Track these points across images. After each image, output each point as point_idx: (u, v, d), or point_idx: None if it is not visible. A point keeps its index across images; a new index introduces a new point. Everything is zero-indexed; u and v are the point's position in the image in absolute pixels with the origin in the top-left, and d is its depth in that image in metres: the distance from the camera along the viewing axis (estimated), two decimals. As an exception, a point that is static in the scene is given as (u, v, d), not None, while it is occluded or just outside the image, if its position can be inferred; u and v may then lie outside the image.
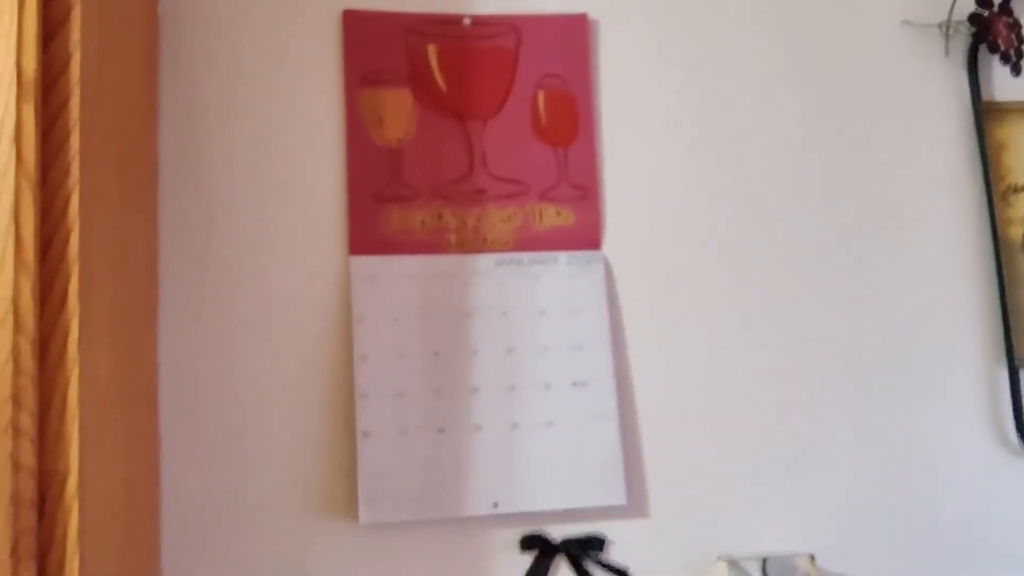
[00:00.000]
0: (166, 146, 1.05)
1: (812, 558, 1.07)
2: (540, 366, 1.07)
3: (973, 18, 1.23)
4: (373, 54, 1.09)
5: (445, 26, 1.10)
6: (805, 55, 1.21)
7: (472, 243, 1.08)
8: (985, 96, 1.23)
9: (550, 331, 1.08)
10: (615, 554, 1.07)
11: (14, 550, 0.67)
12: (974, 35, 1.23)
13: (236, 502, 1.00)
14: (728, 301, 1.14)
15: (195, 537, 0.99)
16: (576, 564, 1.05)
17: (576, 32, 1.14)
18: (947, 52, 1.24)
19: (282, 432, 1.02)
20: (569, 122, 1.12)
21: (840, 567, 1.11)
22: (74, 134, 0.73)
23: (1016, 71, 1.24)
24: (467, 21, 1.11)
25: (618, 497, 1.06)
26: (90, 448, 0.74)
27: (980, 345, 1.19)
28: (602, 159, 1.13)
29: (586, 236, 1.11)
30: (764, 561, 1.06)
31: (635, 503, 1.08)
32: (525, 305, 1.08)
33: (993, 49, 1.23)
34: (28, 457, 0.68)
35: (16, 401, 0.68)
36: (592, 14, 1.15)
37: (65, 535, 0.70)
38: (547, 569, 1.05)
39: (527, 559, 1.05)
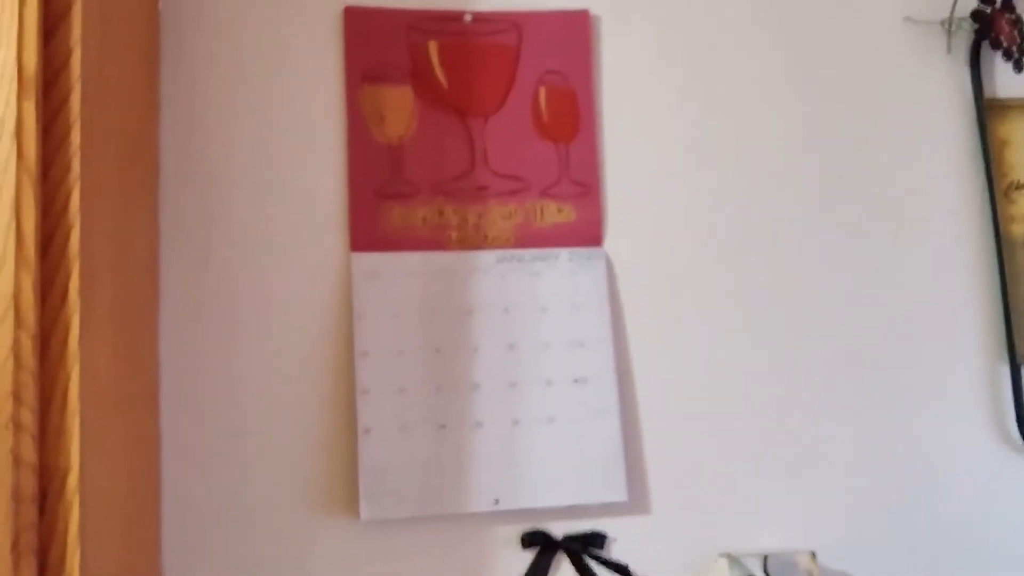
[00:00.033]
0: (167, 143, 1.05)
1: (813, 555, 1.07)
2: (541, 363, 1.07)
3: (975, 15, 1.23)
4: (374, 51, 1.08)
5: (446, 23, 1.10)
6: (806, 52, 1.21)
7: (473, 240, 1.08)
8: (987, 93, 1.23)
9: (551, 328, 1.08)
10: (616, 551, 1.07)
11: (15, 546, 0.67)
12: (976, 32, 1.23)
13: (237, 498, 1.00)
14: (729, 298, 1.14)
15: (196, 533, 0.99)
16: (577, 561, 1.05)
17: (577, 29, 1.14)
18: (949, 49, 1.24)
19: (283, 428, 1.02)
20: (570, 119, 1.12)
21: (841, 564, 1.11)
22: (75, 130, 0.73)
23: (1019, 68, 1.23)
24: (468, 18, 1.11)
25: (619, 494, 1.06)
26: (91, 444, 0.74)
27: (982, 342, 1.19)
28: (603, 156, 1.13)
29: (587, 233, 1.11)
30: (765, 558, 1.06)
31: (636, 500, 1.08)
32: (526, 302, 1.08)
33: (995, 46, 1.23)
34: (29, 453, 0.68)
35: (17, 397, 0.68)
36: (593, 11, 1.15)
37: (66, 531, 0.71)
38: (548, 566, 1.05)
39: (528, 556, 1.05)
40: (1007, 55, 1.23)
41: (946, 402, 1.17)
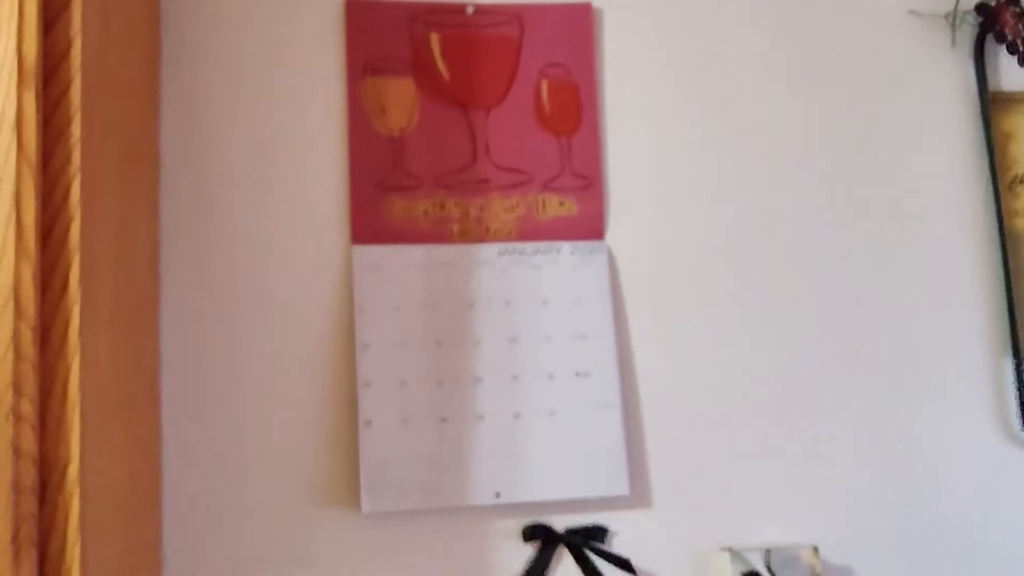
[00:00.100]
0: (167, 136, 1.04)
1: (816, 549, 1.07)
2: (543, 356, 1.07)
3: (980, 8, 1.22)
4: (376, 43, 1.08)
5: (448, 15, 1.10)
6: (810, 46, 1.20)
7: (475, 233, 1.08)
8: (992, 86, 1.23)
9: (553, 321, 1.07)
10: (618, 544, 1.07)
11: (15, 537, 0.67)
12: (981, 25, 1.23)
13: (238, 490, 1.00)
14: (731, 291, 1.14)
15: (197, 526, 0.99)
16: (578, 554, 1.05)
17: (579, 21, 1.13)
18: (954, 42, 1.23)
19: (284, 421, 1.02)
20: (572, 111, 1.12)
21: (844, 558, 1.11)
22: (75, 121, 0.73)
23: (1023, 61, 1.23)
24: (470, 10, 1.11)
25: (621, 487, 1.06)
26: (91, 436, 0.74)
27: (985, 337, 1.19)
28: (605, 149, 1.13)
29: (589, 226, 1.11)
30: (767, 552, 1.06)
31: (638, 493, 1.08)
32: (528, 295, 1.08)
33: (1000, 39, 1.22)
34: (29, 444, 0.68)
35: (17, 388, 0.68)
36: (595, 3, 1.15)
37: (66, 522, 0.71)
38: (549, 559, 1.05)
39: (529, 549, 1.05)
40: (1011, 49, 1.23)
41: (949, 397, 1.17)
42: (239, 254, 1.04)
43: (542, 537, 1.05)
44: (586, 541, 1.05)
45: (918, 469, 1.15)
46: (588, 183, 1.11)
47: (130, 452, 0.89)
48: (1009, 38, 1.22)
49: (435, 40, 1.10)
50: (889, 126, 1.21)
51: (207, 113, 1.06)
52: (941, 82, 1.23)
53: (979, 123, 1.22)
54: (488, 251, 1.08)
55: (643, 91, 1.15)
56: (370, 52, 1.08)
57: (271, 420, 1.02)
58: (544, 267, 1.08)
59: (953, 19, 1.23)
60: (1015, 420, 1.17)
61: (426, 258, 1.06)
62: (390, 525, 1.03)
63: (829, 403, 1.14)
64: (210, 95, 1.06)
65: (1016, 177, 1.23)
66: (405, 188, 1.07)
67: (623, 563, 1.05)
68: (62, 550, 0.70)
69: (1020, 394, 1.17)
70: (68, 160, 0.72)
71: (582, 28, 1.13)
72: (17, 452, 0.68)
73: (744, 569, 1.06)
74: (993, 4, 1.22)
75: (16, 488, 0.67)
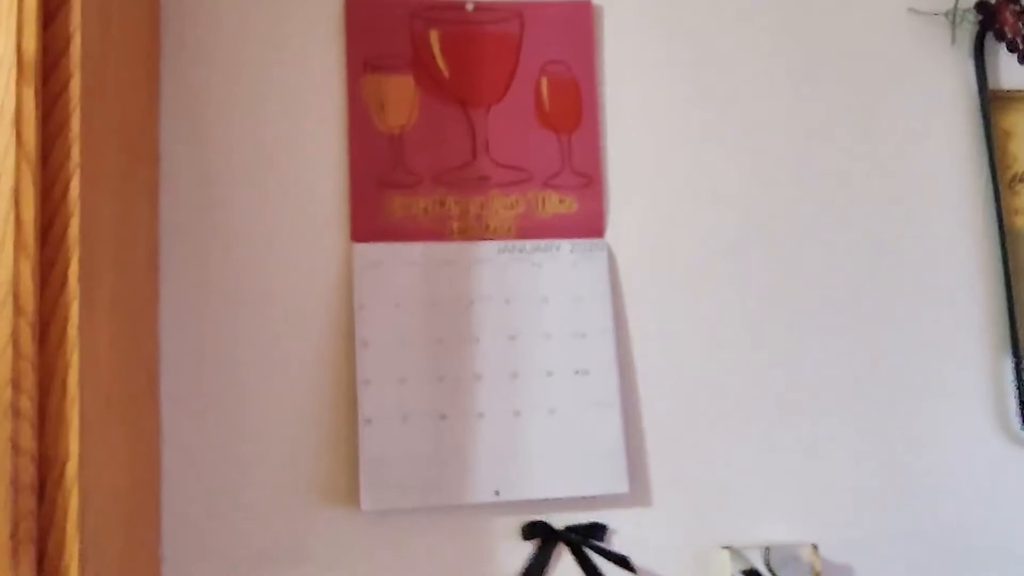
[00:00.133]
0: (167, 134, 1.04)
1: (815, 548, 1.07)
2: (543, 354, 1.06)
3: (979, 6, 1.22)
4: (376, 39, 1.08)
5: (448, 11, 1.10)
6: (810, 43, 1.20)
7: (475, 230, 1.08)
8: (991, 84, 1.23)
9: (553, 319, 1.07)
10: (617, 542, 1.07)
11: (14, 533, 0.67)
12: (981, 23, 1.23)
13: (237, 488, 1.00)
14: (731, 289, 1.14)
15: (196, 523, 0.99)
16: (578, 552, 1.05)
17: (580, 18, 1.13)
18: (953, 40, 1.23)
19: (283, 418, 1.02)
20: (572, 109, 1.12)
21: (844, 557, 1.11)
22: (74, 116, 0.72)
23: (1023, 59, 1.23)
24: (470, 7, 1.11)
25: (620, 485, 1.06)
26: (91, 432, 0.74)
27: (984, 335, 1.19)
28: (606, 146, 1.13)
29: (589, 224, 1.11)
30: (767, 550, 1.06)
31: (638, 491, 1.08)
32: (528, 293, 1.07)
33: (1000, 37, 1.22)
34: (28, 440, 0.68)
35: (16, 384, 0.68)
36: (596, 0, 1.15)
37: (65, 519, 0.70)
38: (548, 557, 1.04)
39: (529, 547, 1.05)
40: (1011, 47, 1.23)
41: (948, 395, 1.17)
42: (239, 252, 1.04)
43: (541, 535, 1.05)
44: (585, 539, 1.05)
45: (918, 467, 1.15)
46: (588, 181, 1.11)
47: (129, 449, 0.89)
48: (1009, 36, 1.22)
49: (435, 37, 1.09)
50: (888, 124, 1.21)
51: (206, 110, 1.05)
52: (941, 80, 1.23)
53: (979, 121, 1.22)
54: (488, 249, 1.07)
55: (643, 88, 1.15)
56: (370, 49, 1.08)
57: (270, 417, 1.02)
58: (544, 265, 1.08)
59: (953, 17, 1.23)
60: (1015, 419, 1.17)
61: (426, 256, 1.06)
62: (390, 523, 1.02)
63: (829, 400, 1.14)
64: (210, 92, 1.06)
65: (1016, 175, 1.23)
66: (405, 185, 1.07)
67: (622, 561, 1.05)
68: (61, 547, 0.70)
69: (1020, 393, 1.17)
70: (67, 156, 0.72)
71: (582, 25, 1.13)
72: (16, 449, 0.67)
73: (744, 567, 1.06)
74: (993, 2, 1.22)
75: (15, 485, 0.67)
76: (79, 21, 0.73)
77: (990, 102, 1.22)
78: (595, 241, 1.10)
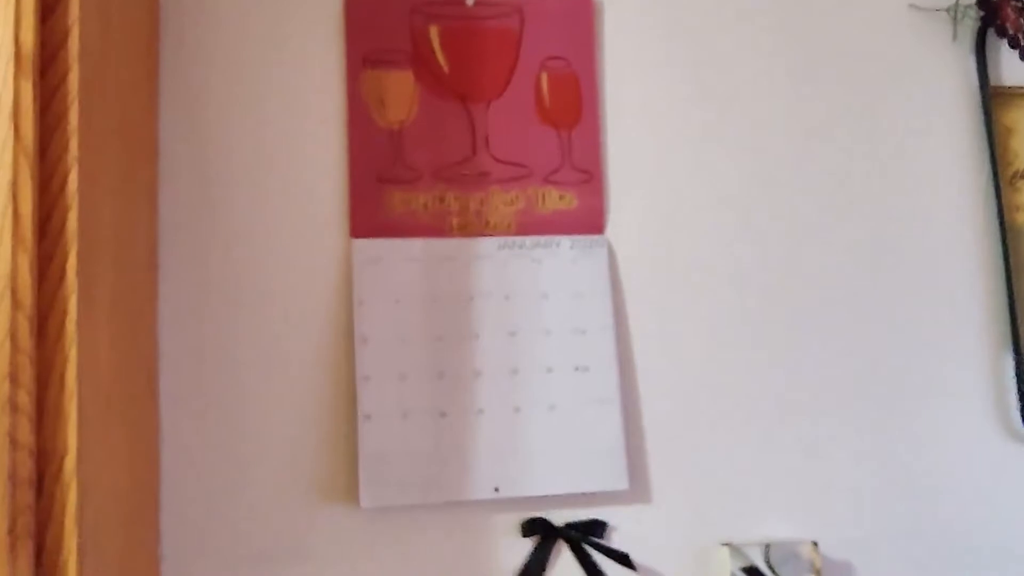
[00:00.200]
0: (166, 130, 1.04)
1: (815, 545, 1.07)
2: (542, 350, 1.06)
3: (981, 2, 1.22)
4: (375, 35, 1.08)
5: (448, 6, 1.10)
6: (811, 39, 1.20)
7: (474, 226, 1.08)
8: (993, 81, 1.23)
9: (553, 315, 1.07)
10: (617, 539, 1.07)
11: (12, 528, 0.67)
12: (982, 19, 1.22)
13: (236, 485, 1.00)
14: (731, 286, 1.14)
15: (195, 519, 0.99)
16: (577, 549, 1.05)
17: (580, 13, 1.13)
18: (955, 36, 1.23)
19: (283, 415, 1.02)
20: (573, 105, 1.11)
21: (844, 554, 1.11)
22: (73, 109, 0.72)
23: (1024, 56, 1.23)
24: (470, 2, 1.11)
25: (620, 482, 1.05)
26: (89, 428, 0.74)
27: (985, 332, 1.19)
28: (606, 142, 1.13)
29: (589, 220, 1.10)
30: (767, 547, 1.06)
31: (637, 488, 1.07)
32: (528, 289, 1.07)
33: (1001, 33, 1.22)
34: (26, 435, 0.68)
35: (14, 379, 0.68)
36: (596, -3, 1.15)
37: (63, 514, 0.70)
38: (548, 554, 1.04)
39: (528, 544, 1.05)
40: (1013, 43, 1.22)
41: (949, 393, 1.17)
42: (238, 250, 1.04)
43: (541, 532, 1.05)
44: (585, 536, 1.05)
45: (918, 464, 1.15)
46: (588, 177, 1.11)
47: (128, 445, 0.88)
48: (1010, 32, 1.22)
49: (435, 32, 1.09)
50: (889, 121, 1.20)
51: (206, 109, 1.05)
52: (942, 77, 1.22)
53: (980, 118, 1.22)
54: (488, 245, 1.07)
55: (644, 85, 1.15)
56: (369, 44, 1.08)
57: (270, 414, 1.02)
58: (544, 261, 1.08)
59: (954, 13, 1.22)
60: (1015, 416, 1.17)
61: (426, 252, 1.06)
62: (389, 520, 1.02)
63: (829, 397, 1.14)
64: (209, 91, 1.05)
65: (1017, 172, 1.22)
66: (405, 181, 1.07)
67: (622, 558, 1.05)
68: (59, 542, 0.70)
69: (1020, 390, 1.17)
70: (65, 149, 0.72)
71: (583, 21, 1.13)
72: (14, 443, 0.67)
73: (743, 564, 1.05)
74: (994, -2, 1.22)
75: (13, 479, 0.67)
76: (77, 14, 0.73)
77: (991, 98, 1.22)
78: (595, 237, 1.10)
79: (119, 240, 0.86)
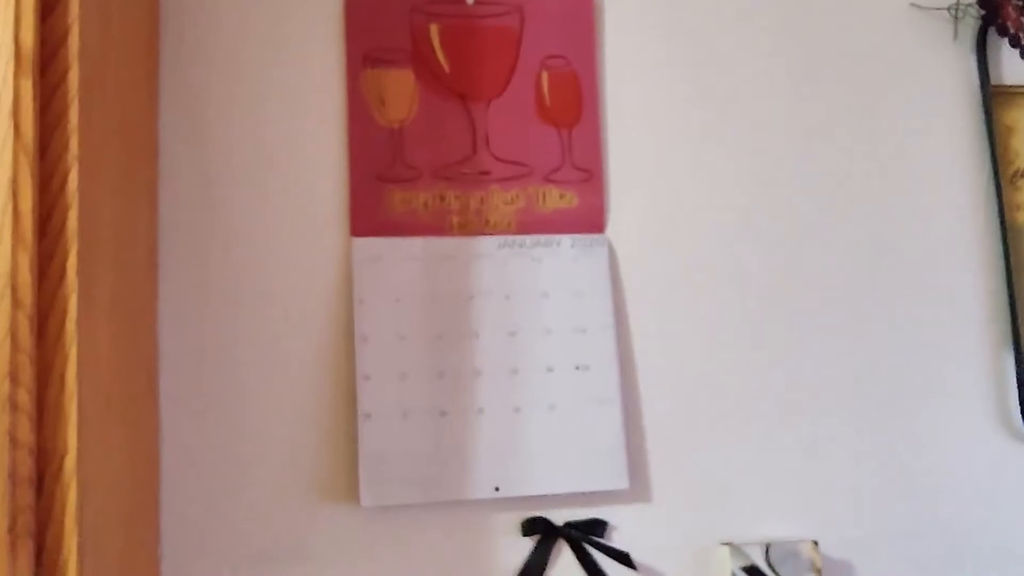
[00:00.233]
0: (166, 129, 1.04)
1: (815, 544, 1.07)
2: (543, 349, 1.06)
3: (982, 1, 1.22)
4: (375, 33, 1.08)
5: (448, 5, 1.09)
6: (810, 42, 1.20)
7: (475, 225, 1.07)
8: (994, 80, 1.23)
9: (553, 314, 1.07)
10: (617, 538, 1.07)
11: (12, 527, 0.67)
12: (983, 18, 1.22)
13: (236, 484, 1.00)
14: (731, 285, 1.14)
15: (195, 518, 0.99)
16: (577, 548, 1.05)
17: (580, 12, 1.13)
18: (956, 35, 1.23)
19: (283, 413, 1.02)
20: (573, 103, 1.11)
21: (844, 553, 1.11)
22: (73, 108, 0.72)
23: (1025, 55, 1.23)
24: (471, 1, 1.10)
25: (621, 481, 1.05)
26: (89, 427, 0.74)
27: (986, 331, 1.19)
28: (606, 141, 1.13)
29: (590, 219, 1.10)
30: (767, 547, 1.06)
31: (638, 488, 1.07)
32: (528, 288, 1.07)
33: (1002, 32, 1.22)
34: (26, 434, 0.68)
35: (14, 377, 0.67)
36: (597, -4, 1.15)
37: (63, 513, 0.70)
38: (548, 553, 1.04)
39: (528, 543, 1.04)
40: (1014, 42, 1.22)
41: (949, 391, 1.17)
42: (239, 250, 1.04)
43: (541, 531, 1.04)
44: (585, 535, 1.05)
45: (919, 463, 1.15)
46: (589, 176, 1.11)
47: (128, 444, 0.88)
48: (1011, 31, 1.22)
49: (435, 31, 1.09)
50: (890, 120, 1.20)
51: (206, 109, 1.05)
52: (943, 76, 1.22)
53: (981, 117, 1.22)
54: (488, 244, 1.07)
55: (644, 83, 1.15)
56: (370, 43, 1.07)
57: (270, 413, 1.02)
58: (544, 260, 1.08)
59: (955, 12, 1.22)
60: (1015, 416, 1.17)
61: (426, 250, 1.06)
62: (389, 519, 1.02)
63: (829, 397, 1.14)
64: (210, 91, 1.05)
65: (1017, 171, 1.22)
66: (405, 180, 1.07)
67: (622, 557, 1.05)
68: (59, 541, 0.70)
69: (1021, 389, 1.17)
70: (66, 147, 0.72)
71: (583, 20, 1.13)
72: (14, 442, 0.67)
73: (744, 563, 1.05)
74: (995, -3, 1.22)
75: (13, 478, 0.67)
76: (77, 13, 0.73)
77: (992, 98, 1.21)
78: (596, 236, 1.10)
79: (119, 239, 0.86)
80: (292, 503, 1.01)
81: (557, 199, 1.10)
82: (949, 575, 1.13)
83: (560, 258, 1.08)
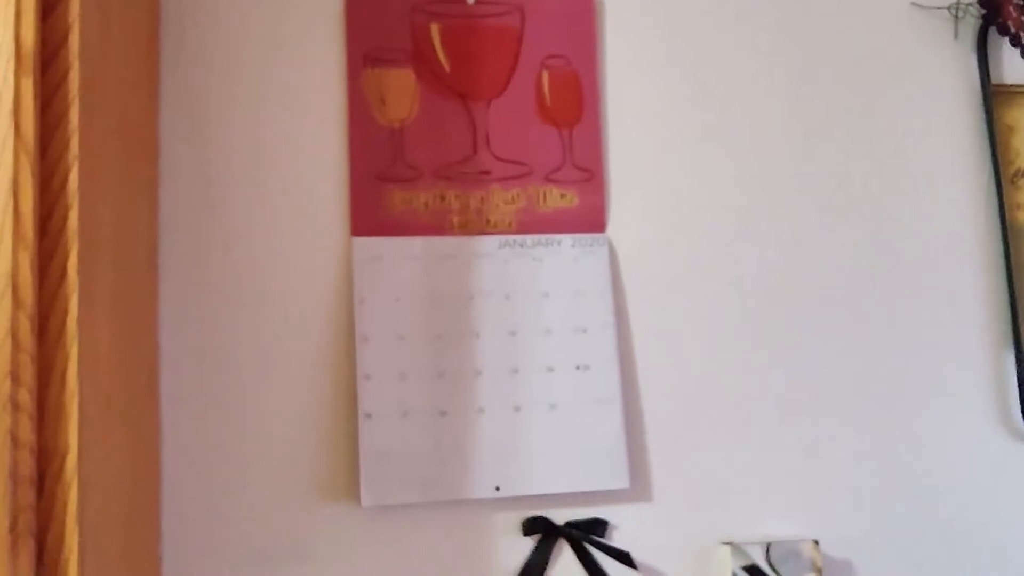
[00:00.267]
0: (166, 128, 1.04)
1: (816, 543, 1.07)
2: (543, 349, 1.06)
3: (983, 0, 1.22)
4: (376, 33, 1.08)
5: (449, 5, 1.09)
6: (810, 42, 1.20)
7: (475, 225, 1.07)
8: (994, 79, 1.23)
9: (553, 314, 1.07)
10: (618, 538, 1.06)
11: (13, 527, 0.66)
12: (984, 17, 1.22)
13: (237, 483, 1.00)
14: (732, 285, 1.14)
15: (196, 518, 0.99)
16: (578, 548, 1.05)
17: (581, 12, 1.13)
18: (956, 35, 1.23)
19: (284, 413, 1.02)
20: (574, 103, 1.11)
21: (845, 553, 1.11)
22: (73, 107, 0.72)
23: (1026, 54, 1.23)
24: (471, 0, 1.10)
25: (621, 481, 1.05)
26: (90, 426, 0.74)
27: (987, 331, 1.19)
28: (607, 141, 1.13)
29: (590, 219, 1.10)
30: (768, 546, 1.06)
31: (638, 487, 1.07)
32: (528, 288, 1.07)
33: (1003, 32, 1.22)
34: (27, 433, 0.68)
35: (15, 377, 0.67)
36: (597, -4, 1.15)
37: (64, 513, 0.70)
38: (549, 552, 1.04)
39: (529, 542, 1.04)
40: (1014, 41, 1.22)
41: (950, 391, 1.17)
42: (239, 250, 1.04)
43: (542, 530, 1.04)
44: (586, 535, 1.05)
45: (919, 463, 1.15)
46: (589, 175, 1.11)
47: (129, 444, 0.88)
48: (1012, 31, 1.22)
49: (435, 31, 1.09)
50: (890, 119, 1.20)
51: (206, 109, 1.05)
52: (943, 75, 1.22)
53: (981, 116, 1.22)
54: (488, 243, 1.07)
55: (645, 83, 1.15)
56: (370, 43, 1.07)
57: (270, 413, 1.02)
58: (545, 260, 1.08)
59: (956, 11, 1.22)
60: (1016, 416, 1.17)
61: (426, 250, 1.06)
62: (390, 518, 1.02)
63: (829, 397, 1.14)
64: (210, 91, 1.05)
65: (1018, 170, 1.22)
66: (405, 179, 1.07)
67: (623, 556, 1.05)
68: (60, 540, 0.70)
69: (1021, 389, 1.17)
70: (66, 147, 0.72)
71: (583, 19, 1.13)
72: (15, 442, 0.67)
73: (744, 563, 1.05)
74: (996, -3, 1.22)
75: (14, 478, 0.67)
76: (78, 12, 0.72)
77: (992, 97, 1.21)
78: (596, 236, 1.10)
79: (119, 239, 0.86)
80: (292, 503, 1.01)
81: (557, 199, 1.10)
82: (949, 575, 1.14)
83: (560, 258, 1.08)
